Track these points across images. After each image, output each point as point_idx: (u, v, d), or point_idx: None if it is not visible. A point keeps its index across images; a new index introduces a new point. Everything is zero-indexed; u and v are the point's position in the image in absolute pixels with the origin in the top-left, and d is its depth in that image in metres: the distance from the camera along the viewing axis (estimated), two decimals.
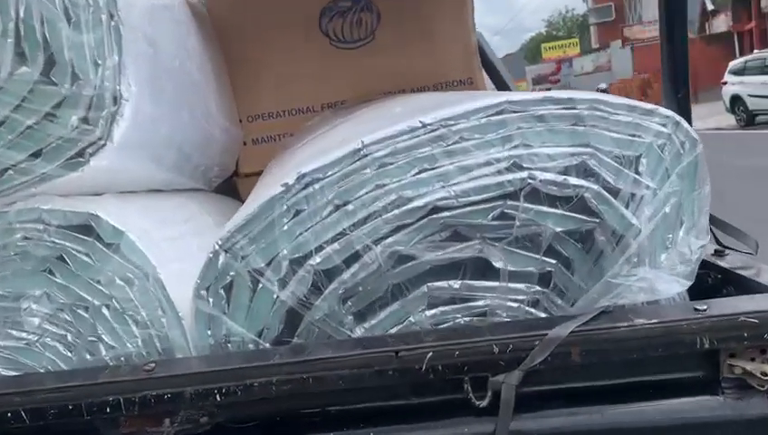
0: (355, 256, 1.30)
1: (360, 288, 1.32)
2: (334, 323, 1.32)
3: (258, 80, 2.59)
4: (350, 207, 1.30)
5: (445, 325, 1.37)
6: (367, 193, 1.29)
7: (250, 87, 2.61)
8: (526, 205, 1.28)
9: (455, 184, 1.29)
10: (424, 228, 1.30)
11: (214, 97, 2.24)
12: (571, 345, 1.18)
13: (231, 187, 2.58)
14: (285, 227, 1.31)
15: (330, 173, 1.30)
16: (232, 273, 1.32)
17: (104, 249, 1.36)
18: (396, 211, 1.29)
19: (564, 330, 1.19)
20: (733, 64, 18.84)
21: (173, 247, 1.53)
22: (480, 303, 1.37)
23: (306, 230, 1.30)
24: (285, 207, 1.31)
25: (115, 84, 1.37)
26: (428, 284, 1.35)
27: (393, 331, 1.37)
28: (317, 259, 1.29)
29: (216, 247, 1.32)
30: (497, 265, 1.32)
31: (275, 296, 1.31)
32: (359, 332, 1.36)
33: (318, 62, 2.59)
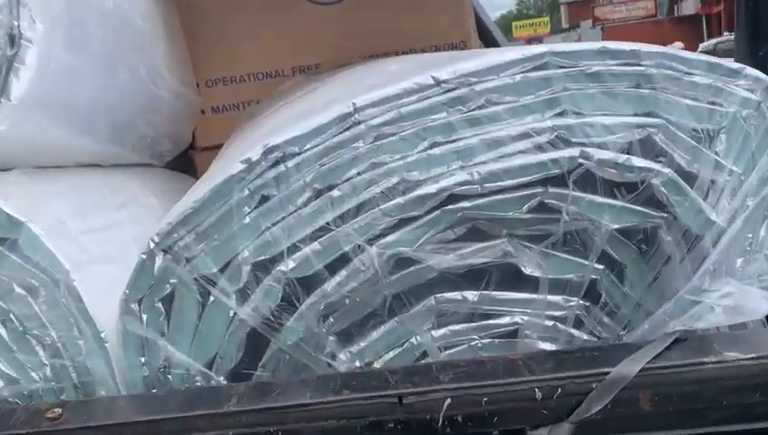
0: (342, 260, 0.95)
1: (348, 301, 0.98)
2: (311, 349, 0.98)
3: (220, 38, 2.20)
4: (335, 192, 0.95)
5: (456, 349, 1.04)
6: (359, 174, 0.95)
7: (210, 46, 2.22)
8: (576, 193, 0.95)
9: (479, 164, 0.95)
10: (435, 223, 0.96)
11: (163, 53, 1.85)
12: (640, 388, 0.86)
13: (187, 162, 2.21)
14: (247, 220, 0.95)
15: (309, 146, 0.95)
16: (173, 280, 0.97)
17: None
18: (398, 200, 0.94)
19: (631, 367, 0.86)
20: (703, 46, 18.79)
21: (99, 242, 1.16)
22: (505, 320, 1.03)
23: (275, 224, 0.95)
24: (247, 191, 0.95)
25: (11, 19, 0.99)
26: (437, 295, 1.01)
27: (389, 355, 1.03)
28: (290, 264, 0.94)
29: (152, 246, 0.96)
30: (531, 272, 0.99)
31: (232, 314, 0.96)
32: (343, 357, 1.02)
33: (289, 19, 2.21)
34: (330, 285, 0.95)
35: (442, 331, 1.04)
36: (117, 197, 1.45)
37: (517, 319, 1.04)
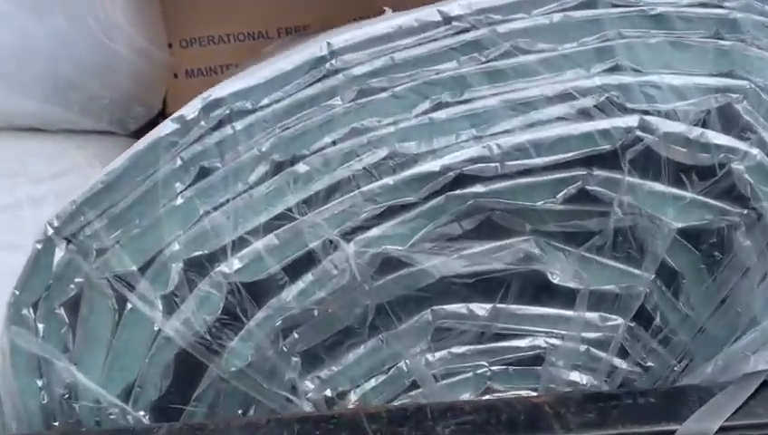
0: (308, 260, 0.70)
1: (316, 314, 0.73)
2: (263, 379, 0.72)
3: None
4: (301, 167, 0.69)
5: (458, 378, 0.79)
6: (334, 143, 0.69)
7: (185, 1, 1.96)
8: (632, 179, 0.69)
9: (499, 134, 0.69)
10: (436, 214, 0.70)
11: (121, 3, 1.58)
12: None
13: None
14: (178, 200, 0.70)
15: (266, 102, 0.69)
16: (78, 280, 0.71)
17: None
18: (387, 180, 0.68)
19: (707, 423, 0.61)
20: None
21: (8, 220, 0.91)
22: (524, 343, 0.78)
23: (217, 208, 0.69)
24: (179, 161, 0.69)
25: None
26: (435, 307, 0.76)
27: (370, 384, 0.78)
28: (235, 263, 0.69)
29: (49, 232, 0.71)
30: (563, 282, 0.74)
31: (156, 328, 0.70)
32: (309, 385, 0.77)
33: None
34: (290, 293, 0.70)
35: (440, 354, 0.79)
36: (50, 166, 1.19)
37: (540, 342, 0.79)
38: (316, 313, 0.73)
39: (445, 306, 0.77)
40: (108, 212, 0.70)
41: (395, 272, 0.72)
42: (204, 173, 0.70)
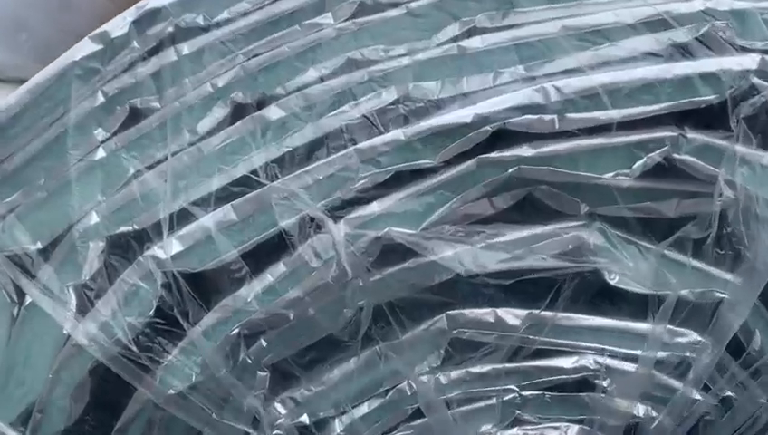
0: (278, 244, 0.49)
1: (292, 318, 0.52)
2: (212, 403, 0.52)
3: None
4: (272, 111, 0.48)
5: (478, 405, 0.59)
6: (322, 79, 0.48)
7: None
8: (745, 147, 0.48)
9: (558, 74, 0.48)
10: (462, 184, 0.49)
11: None
12: None
13: None
14: (98, 155, 0.49)
15: (225, 17, 0.49)
16: None
17: None
18: (395, 134, 0.48)
19: None
20: None
21: None
22: (568, 363, 0.58)
23: (151, 167, 0.49)
24: (100, 98, 0.49)
25: None
26: (450, 312, 0.56)
27: (361, 411, 0.58)
28: (174, 245, 0.48)
29: None
30: (631, 285, 0.53)
31: (65, 333, 0.50)
32: (280, 409, 0.57)
33: None
34: (251, 290, 0.49)
35: (455, 374, 0.58)
36: None
37: (588, 361, 0.59)
38: (291, 316, 0.53)
39: (464, 311, 0.56)
40: (1, 167, 0.50)
41: (399, 264, 0.52)
42: (135, 116, 0.49)
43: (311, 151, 0.47)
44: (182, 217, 0.48)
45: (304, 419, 0.58)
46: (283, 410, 0.57)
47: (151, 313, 0.49)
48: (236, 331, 0.51)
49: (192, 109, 0.49)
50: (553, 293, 0.52)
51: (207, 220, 0.48)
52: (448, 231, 0.50)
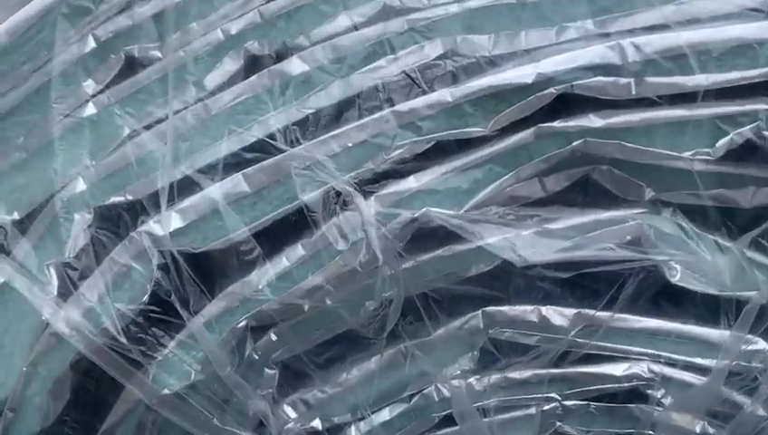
0: (297, 222, 0.42)
1: (307, 307, 0.45)
2: (213, 406, 0.45)
3: None
4: (293, 64, 0.41)
5: (515, 414, 0.52)
6: (356, 27, 0.40)
7: None
8: None
9: (638, 30, 0.41)
10: (516, 157, 0.42)
11: None
12: None
13: None
14: (87, 111, 0.42)
15: None
16: None
17: None
18: (441, 94, 0.40)
19: None
20: None
21: None
22: (618, 370, 0.50)
23: (150, 127, 0.41)
24: (91, 43, 0.41)
25: None
26: (488, 308, 0.48)
27: (381, 417, 0.51)
28: (174, 220, 0.41)
29: None
30: (686, 283, 0.45)
31: (43, 319, 0.43)
32: (289, 413, 0.50)
33: None
34: (264, 275, 0.42)
35: (492, 378, 0.51)
36: None
37: (641, 369, 0.51)
38: (306, 307, 0.45)
39: (503, 308, 0.49)
40: None
41: (436, 250, 0.44)
42: (131, 66, 0.42)
43: (339, 113, 0.40)
44: (184, 187, 0.41)
45: (316, 424, 0.51)
46: (292, 414, 0.51)
47: (145, 299, 0.42)
48: (244, 323, 0.43)
49: (199, 59, 0.42)
50: (614, 290, 0.45)
51: (214, 191, 0.40)
52: (497, 213, 0.42)
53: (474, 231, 0.41)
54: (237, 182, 0.40)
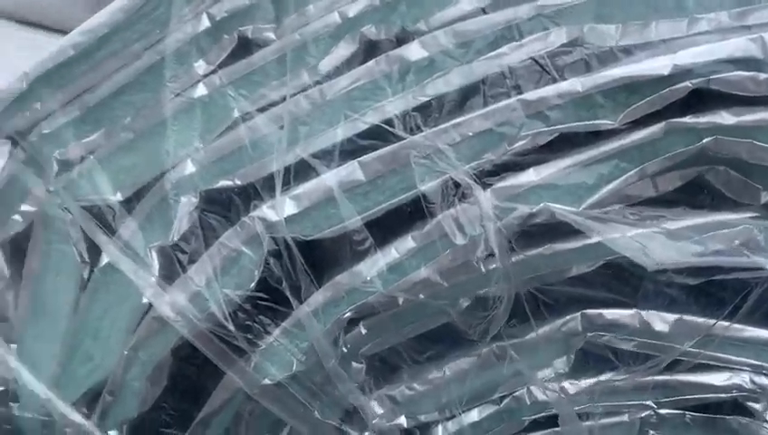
0: (412, 212, 0.40)
1: (402, 300, 0.43)
2: (309, 395, 0.44)
3: None
4: (413, 50, 0.39)
5: (615, 420, 0.50)
6: (484, 11, 0.39)
7: None
8: None
9: None
10: (644, 153, 0.40)
11: None
12: None
13: None
14: (198, 91, 0.41)
15: None
16: (26, 208, 0.43)
17: None
18: (572, 84, 0.38)
19: None
20: None
21: None
22: (719, 379, 0.48)
23: (263, 109, 0.40)
24: (205, 22, 0.40)
25: None
26: (587, 311, 0.46)
27: (470, 417, 0.50)
28: (287, 206, 0.39)
29: None
30: None
31: (145, 302, 0.42)
32: (375, 409, 0.48)
33: None
34: (373, 266, 0.41)
35: (584, 383, 0.49)
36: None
37: (743, 379, 0.49)
38: (401, 300, 0.44)
39: (603, 311, 0.47)
40: (80, 99, 0.42)
41: (536, 248, 0.42)
42: (243, 47, 0.41)
43: (464, 99, 0.38)
44: (299, 173, 0.39)
45: (401, 421, 0.49)
46: (378, 410, 0.49)
47: (252, 285, 0.41)
48: (348, 314, 0.42)
49: (313, 43, 0.40)
50: (739, 299, 0.42)
51: (330, 178, 0.39)
52: (618, 212, 0.40)
53: (597, 229, 0.39)
54: (353, 170, 0.39)
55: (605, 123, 0.38)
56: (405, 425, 0.50)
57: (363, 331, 0.46)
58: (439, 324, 0.46)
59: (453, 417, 0.50)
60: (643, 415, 0.50)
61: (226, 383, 0.43)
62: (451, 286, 0.43)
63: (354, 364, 0.47)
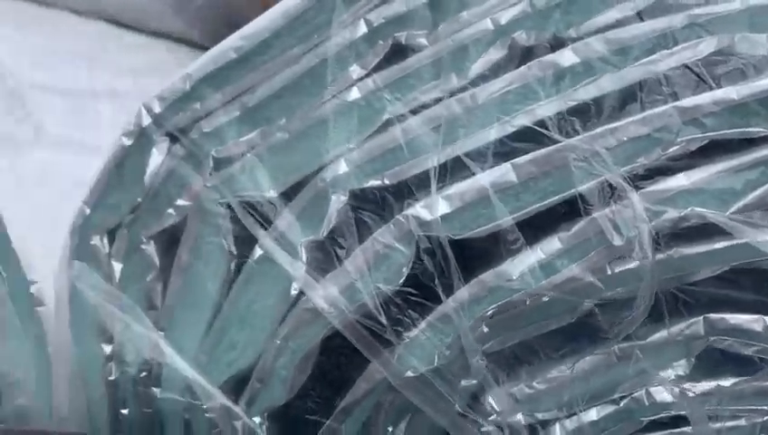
0: (565, 212, 0.41)
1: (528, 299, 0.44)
2: (446, 385, 0.45)
3: None
4: (565, 56, 0.41)
5: (737, 423, 0.50)
6: (640, 17, 0.40)
7: None
8: None
9: None
10: None
11: None
12: None
13: None
14: (352, 94, 0.42)
15: None
16: (182, 202, 0.46)
17: None
18: (727, 92, 0.39)
19: None
20: None
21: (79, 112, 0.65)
22: None
23: (416, 111, 0.42)
24: (363, 27, 0.42)
25: None
26: (709, 315, 0.47)
27: (589, 416, 0.50)
28: (441, 206, 0.41)
29: (145, 121, 0.45)
30: None
31: (294, 292, 0.44)
32: (493, 404, 0.49)
33: None
34: (520, 264, 0.42)
35: (704, 385, 0.50)
36: (135, 60, 0.94)
37: None
38: (528, 300, 0.45)
39: (726, 316, 0.48)
40: (241, 99, 0.44)
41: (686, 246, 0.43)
42: (396, 53, 0.42)
43: (622, 105, 0.39)
44: (453, 172, 0.41)
45: (519, 418, 0.51)
46: (497, 407, 0.50)
47: (400, 281, 0.42)
48: (491, 311, 0.44)
49: (466, 48, 0.42)
50: None
51: (483, 178, 0.40)
52: (763, 217, 0.41)
53: (746, 232, 0.40)
54: (506, 171, 0.40)
55: (759, 130, 0.39)
56: (523, 422, 0.51)
57: (485, 329, 0.47)
58: (564, 324, 0.47)
59: (572, 415, 0.51)
60: (762, 420, 0.51)
61: (369, 374, 0.44)
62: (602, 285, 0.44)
63: (475, 362, 0.48)
